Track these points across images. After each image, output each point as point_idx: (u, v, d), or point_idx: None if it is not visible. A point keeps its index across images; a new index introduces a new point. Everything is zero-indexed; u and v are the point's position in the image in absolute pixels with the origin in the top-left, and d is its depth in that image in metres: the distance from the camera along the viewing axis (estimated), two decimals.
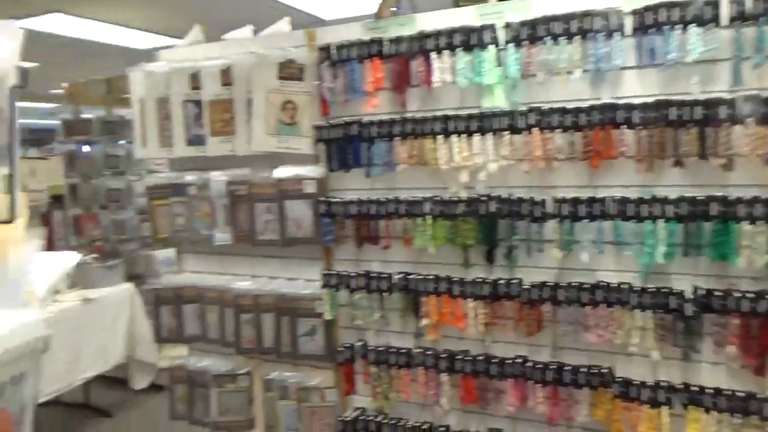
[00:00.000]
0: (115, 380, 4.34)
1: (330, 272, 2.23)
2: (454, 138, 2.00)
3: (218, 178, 2.36)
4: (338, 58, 2.15)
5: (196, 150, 2.38)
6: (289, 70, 2.22)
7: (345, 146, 2.17)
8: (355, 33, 2.18)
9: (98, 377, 3.90)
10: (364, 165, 2.15)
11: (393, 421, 2.19)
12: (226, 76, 2.31)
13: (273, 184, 2.27)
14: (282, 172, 2.26)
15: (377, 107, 2.13)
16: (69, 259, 0.95)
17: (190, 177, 2.41)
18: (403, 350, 2.17)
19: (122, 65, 2.69)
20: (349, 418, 2.25)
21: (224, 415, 2.47)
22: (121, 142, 5.02)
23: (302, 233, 2.26)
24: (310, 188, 2.23)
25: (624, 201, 1.82)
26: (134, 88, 2.51)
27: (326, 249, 2.31)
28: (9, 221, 0.83)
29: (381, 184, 2.19)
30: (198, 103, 2.35)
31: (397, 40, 2.06)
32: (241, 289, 2.38)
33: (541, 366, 1.96)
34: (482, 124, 1.97)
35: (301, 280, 2.39)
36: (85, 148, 4.93)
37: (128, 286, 4.16)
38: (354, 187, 2.25)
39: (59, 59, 7.22)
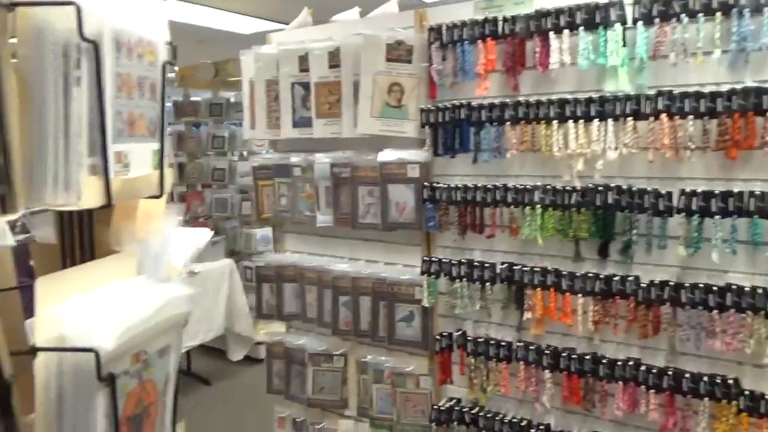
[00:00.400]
0: (213, 350, 4.51)
1: (431, 259, 2.14)
2: (570, 123, 1.85)
3: (322, 160, 2.32)
4: (449, 39, 2.04)
5: (301, 132, 2.37)
6: (397, 52, 2.14)
7: (452, 130, 2.07)
8: (467, 13, 2.06)
9: (198, 347, 4.06)
10: (472, 150, 2.04)
11: (489, 415, 2.10)
12: (334, 58, 2.26)
13: (376, 167, 2.21)
14: (386, 155, 2.19)
15: (487, 90, 2.02)
16: (202, 235, 0.94)
17: (295, 158, 2.39)
18: (504, 343, 2.05)
19: (228, 50, 2.72)
20: (443, 407, 2.18)
21: (318, 393, 2.46)
22: (226, 123, 5.18)
23: (404, 218, 2.18)
24: (414, 173, 2.15)
25: (765, 197, 1.60)
26: (245, 71, 2.52)
27: (427, 235, 2.23)
28: (158, 196, 0.81)
29: (487, 170, 2.07)
30: (305, 85, 2.33)
31: (513, 20, 1.93)
32: (339, 271, 2.35)
33: (656, 371, 1.79)
34: (603, 108, 1.80)
35: (400, 265, 2.32)
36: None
37: (229, 262, 4.29)
38: (459, 172, 2.14)
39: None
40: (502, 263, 2.03)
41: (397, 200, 2.18)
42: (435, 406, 2.18)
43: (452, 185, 2.08)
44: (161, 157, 0.86)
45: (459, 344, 2.14)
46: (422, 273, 2.17)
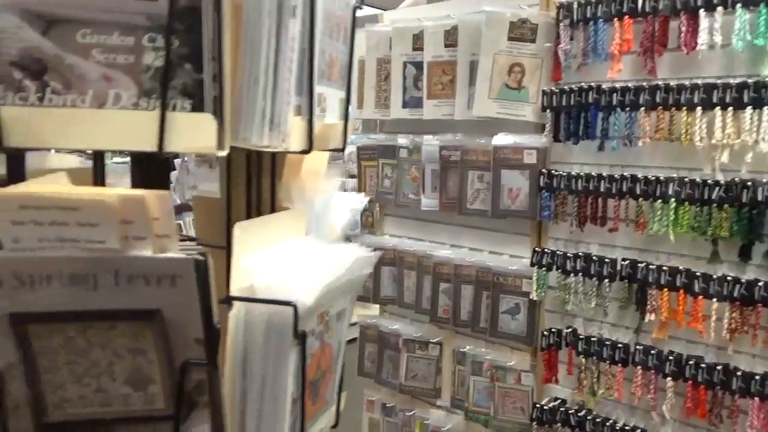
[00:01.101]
0: None
1: (543, 250, 2.03)
2: (717, 111, 1.69)
3: (431, 142, 2.24)
4: (581, 17, 1.90)
5: (411, 112, 2.29)
6: (520, 31, 2.02)
7: (577, 115, 1.94)
8: None
9: None
10: (598, 137, 1.90)
11: (598, 419, 1.96)
12: (450, 36, 2.17)
13: (489, 151, 2.10)
14: (500, 139, 2.08)
15: (620, 73, 1.88)
16: (358, 200, 0.89)
17: (402, 140, 2.33)
18: (620, 345, 1.91)
19: None
20: (546, 407, 2.06)
21: (411, 380, 2.39)
22: None
23: (516, 206, 2.07)
24: (531, 158, 2.02)
25: None
26: (355, 49, 2.47)
27: (539, 225, 2.10)
28: (341, 149, 0.76)
29: (613, 159, 1.92)
30: (418, 65, 2.25)
31: None
32: (441, 257, 2.26)
33: None
34: (759, 95, 1.63)
35: (505, 255, 2.21)
36: None
37: None
38: (580, 160, 2.00)
39: None
40: (624, 259, 1.89)
41: (510, 187, 2.07)
42: (537, 405, 2.07)
43: (573, 173, 1.95)
44: (346, 108, 0.80)
45: (569, 342, 2.02)
46: (532, 264, 2.04)
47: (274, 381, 0.63)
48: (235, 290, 0.59)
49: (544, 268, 1.99)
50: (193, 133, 0.53)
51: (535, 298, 2.02)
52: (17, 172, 0.67)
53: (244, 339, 0.64)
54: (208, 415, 0.58)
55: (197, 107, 0.53)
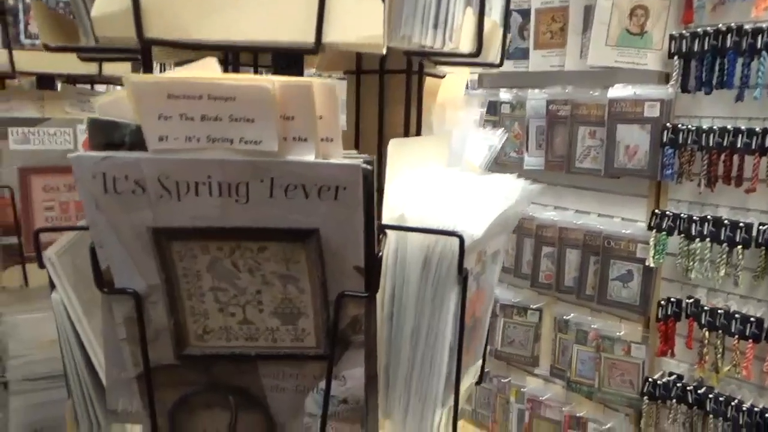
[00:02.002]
0: None
1: (664, 212, 1.83)
2: None
3: (537, 96, 2.08)
4: None
5: (515, 65, 2.13)
6: None
7: (711, 61, 1.71)
8: None
9: None
10: (736, 86, 1.67)
11: (721, 398, 1.78)
12: None
13: (603, 105, 1.91)
14: (617, 91, 1.89)
15: (766, 12, 1.63)
16: (497, 136, 0.79)
17: (504, 95, 2.17)
18: (753, 319, 1.71)
19: None
20: (660, 381, 1.89)
21: (507, 347, 2.27)
22: None
23: (633, 164, 1.87)
24: (653, 111, 1.81)
25: None
26: None
27: (658, 185, 1.90)
28: (499, 64, 0.64)
29: (751, 111, 1.68)
30: (524, 13, 2.08)
31: None
32: (545, 219, 2.11)
33: None
34: None
35: (617, 218, 2.03)
36: None
37: None
38: (709, 113, 1.78)
39: None
40: (762, 224, 1.67)
41: (626, 143, 1.87)
42: (650, 379, 1.90)
43: (704, 127, 1.73)
44: (507, 8, 0.68)
45: (690, 314, 1.83)
46: (650, 228, 1.85)
47: (431, 325, 0.54)
48: (386, 219, 0.50)
49: (663, 233, 1.79)
50: (356, 20, 0.43)
51: (651, 265, 1.83)
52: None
53: (397, 276, 0.55)
54: (361, 357, 0.49)
55: None
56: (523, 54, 2.05)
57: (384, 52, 0.47)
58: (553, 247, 2.06)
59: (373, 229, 0.45)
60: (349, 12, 0.44)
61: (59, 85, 1.19)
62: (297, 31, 0.44)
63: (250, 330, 0.49)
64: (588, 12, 1.88)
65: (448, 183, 0.59)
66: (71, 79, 1.18)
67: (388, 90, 0.73)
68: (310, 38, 0.44)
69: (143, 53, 0.47)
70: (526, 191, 0.60)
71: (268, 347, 0.49)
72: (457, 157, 0.73)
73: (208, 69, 0.41)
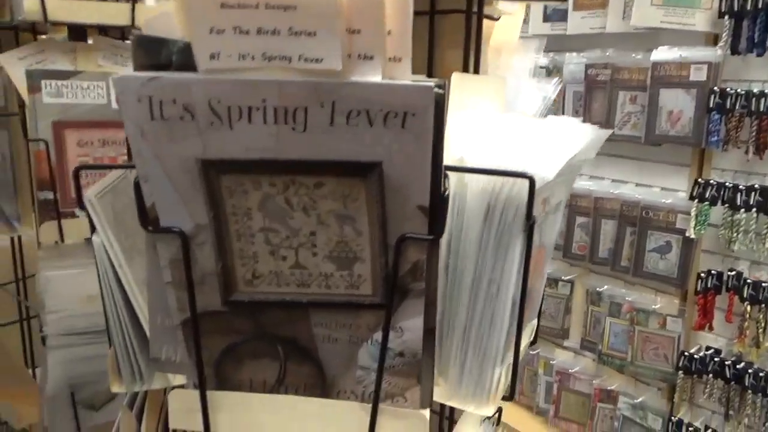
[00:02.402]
0: None
1: (707, 181, 1.76)
2: None
3: (575, 60, 1.99)
4: None
5: (552, 27, 2.04)
6: None
7: (765, 21, 1.61)
8: None
9: None
10: None
11: (762, 374, 1.72)
12: None
13: (645, 68, 1.83)
14: (662, 54, 1.80)
15: None
16: (551, 86, 0.74)
17: (541, 58, 2.09)
18: None
19: None
20: (697, 356, 1.84)
21: None
22: None
23: (677, 130, 1.79)
24: (700, 75, 1.72)
25: None
26: None
27: (701, 154, 1.82)
28: None
29: None
30: None
31: None
32: (579, 189, 2.04)
33: None
34: None
35: (656, 188, 1.96)
36: None
37: None
38: (761, 77, 1.68)
39: None
40: None
41: (670, 109, 1.79)
42: (686, 353, 1.84)
43: (755, 91, 1.64)
44: None
45: (731, 287, 1.76)
46: (692, 198, 1.78)
47: (493, 277, 0.50)
48: (445, 161, 0.45)
49: (706, 203, 1.72)
50: None
51: (692, 236, 1.76)
52: None
53: (456, 223, 0.51)
54: (420, 307, 0.46)
55: None
56: (562, 16, 1.97)
57: None
58: (587, 217, 2.00)
59: (440, 164, 0.41)
60: None
61: (90, 39, 1.16)
62: None
63: (302, 275, 0.45)
64: None
65: (511, 124, 0.54)
66: (103, 31, 1.14)
67: (439, 33, 0.68)
68: None
69: None
70: (594, 137, 0.55)
71: (322, 294, 0.46)
72: (511, 105, 0.68)
73: None
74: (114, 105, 1.09)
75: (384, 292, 0.45)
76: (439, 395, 0.54)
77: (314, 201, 0.42)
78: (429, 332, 0.48)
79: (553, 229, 0.60)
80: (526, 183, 0.47)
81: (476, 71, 0.62)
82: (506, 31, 0.72)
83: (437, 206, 0.42)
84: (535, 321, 0.65)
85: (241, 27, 0.36)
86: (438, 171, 0.41)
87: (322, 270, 0.45)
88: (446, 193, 0.42)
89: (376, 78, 0.37)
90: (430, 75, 0.66)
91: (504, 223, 0.49)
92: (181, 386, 0.55)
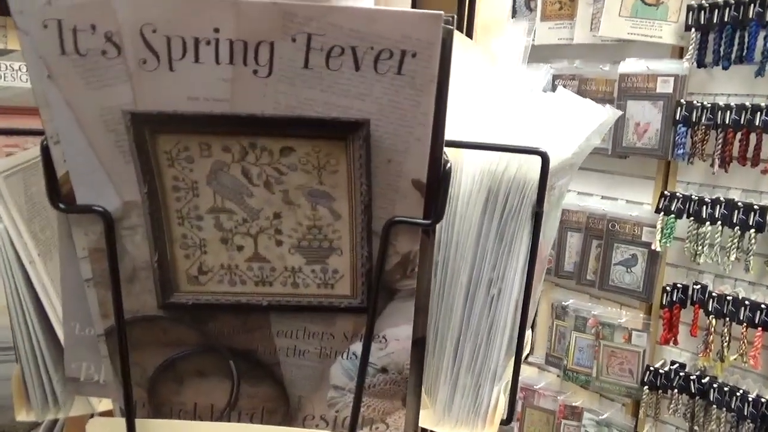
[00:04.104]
0: None
1: (673, 194, 1.74)
2: None
3: (541, 71, 1.97)
4: None
5: None
6: None
7: (731, 34, 1.61)
8: None
9: None
10: (757, 60, 1.58)
11: (726, 388, 1.69)
12: None
13: (613, 80, 1.81)
14: (629, 66, 1.78)
15: None
16: (543, 73, 0.68)
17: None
18: (764, 306, 1.63)
19: None
20: (662, 371, 1.80)
21: None
22: None
23: (644, 143, 1.77)
24: (667, 87, 1.71)
25: None
26: None
27: (667, 166, 1.80)
28: None
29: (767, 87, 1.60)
30: None
31: None
32: None
33: None
34: None
35: (621, 200, 1.93)
36: None
37: None
38: (726, 90, 1.67)
39: None
40: None
41: (637, 120, 1.77)
42: (651, 368, 1.81)
43: (720, 104, 1.63)
44: None
45: (696, 300, 1.74)
46: (657, 211, 1.76)
47: (495, 275, 0.41)
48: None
49: (672, 216, 1.70)
50: None
51: (657, 249, 1.73)
52: None
53: (451, 210, 0.42)
54: (410, 311, 0.36)
55: None
56: (529, 26, 1.93)
57: None
58: None
59: (443, 127, 0.32)
60: None
61: None
62: None
63: (262, 271, 0.35)
64: None
65: (514, 96, 0.46)
66: None
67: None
68: None
69: None
70: (606, 118, 0.48)
71: (287, 295, 0.36)
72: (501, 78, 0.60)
73: None
74: None
75: (366, 292, 0.36)
76: (426, 419, 0.45)
77: (280, 172, 0.33)
78: (417, 343, 0.39)
79: (554, 226, 0.53)
80: (534, 163, 0.39)
81: (470, 15, 0.54)
82: (495, 8, 0.65)
83: (437, 182, 0.33)
84: (530, 331, 0.57)
85: None
86: (440, 136, 0.32)
87: (288, 263, 0.35)
88: (448, 165, 0.33)
89: (367, 2, 0.28)
90: None
91: (509, 210, 0.40)
92: (108, 412, 0.44)
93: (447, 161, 0.34)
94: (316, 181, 0.33)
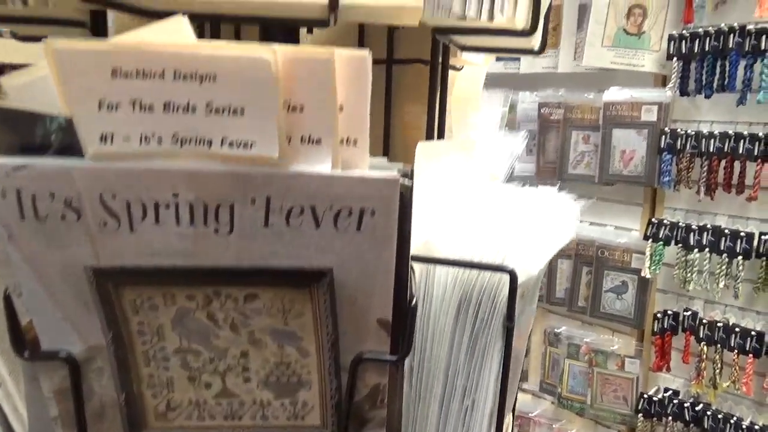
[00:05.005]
0: None
1: (660, 221, 1.75)
2: None
3: (528, 99, 1.98)
4: None
5: (505, 66, 2.02)
6: None
7: (712, 63, 1.63)
8: None
9: None
10: (738, 89, 1.60)
11: (720, 415, 1.70)
12: None
13: (598, 108, 1.83)
14: (613, 94, 1.80)
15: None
16: (518, 140, 0.68)
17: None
18: (754, 333, 1.63)
19: None
20: (656, 398, 1.80)
21: None
22: None
23: (630, 170, 1.79)
24: (651, 115, 1.73)
25: None
26: None
27: (653, 193, 1.82)
28: (540, 49, 0.50)
29: (753, 116, 1.60)
30: None
31: None
32: None
33: None
34: None
35: (610, 226, 1.94)
36: None
37: None
38: (708, 117, 1.70)
39: None
40: (763, 233, 1.60)
41: (622, 148, 1.78)
42: (645, 395, 1.81)
43: (704, 132, 1.65)
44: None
45: (687, 327, 1.75)
46: (646, 237, 1.77)
47: (468, 386, 0.41)
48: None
49: (660, 242, 1.71)
50: None
51: (647, 276, 1.74)
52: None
53: (423, 322, 0.42)
54: None
55: None
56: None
57: (412, 23, 0.34)
58: None
59: (406, 270, 0.32)
60: None
61: None
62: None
63: (231, 405, 0.35)
64: (583, 11, 1.79)
65: (486, 200, 0.47)
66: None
67: (397, 85, 0.61)
68: (323, 15, 0.31)
69: (94, 21, 0.33)
70: (577, 213, 0.48)
71: (257, 428, 0.36)
72: (478, 162, 0.61)
73: (174, 32, 0.27)
74: None
75: (336, 422, 0.36)
76: None
77: (246, 316, 0.33)
78: None
79: (530, 318, 0.53)
80: (504, 276, 0.40)
81: (441, 129, 0.55)
82: (469, 82, 0.65)
83: (402, 319, 0.33)
84: (510, 418, 0.56)
85: (141, 100, 0.26)
86: (403, 278, 0.32)
87: (257, 398, 0.35)
88: (413, 302, 0.34)
89: (325, 167, 0.28)
90: (386, 133, 0.58)
91: (480, 322, 0.41)
92: None
93: (413, 297, 0.34)
94: (281, 323, 0.33)
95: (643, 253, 1.74)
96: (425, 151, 0.41)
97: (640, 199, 1.81)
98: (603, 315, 1.85)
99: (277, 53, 0.25)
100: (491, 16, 0.38)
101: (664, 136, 1.67)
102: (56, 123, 0.28)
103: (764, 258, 1.55)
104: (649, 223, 1.72)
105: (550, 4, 0.52)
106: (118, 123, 0.27)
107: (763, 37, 1.49)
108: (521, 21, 0.40)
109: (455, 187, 0.47)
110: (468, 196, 0.46)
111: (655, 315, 1.75)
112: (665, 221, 1.70)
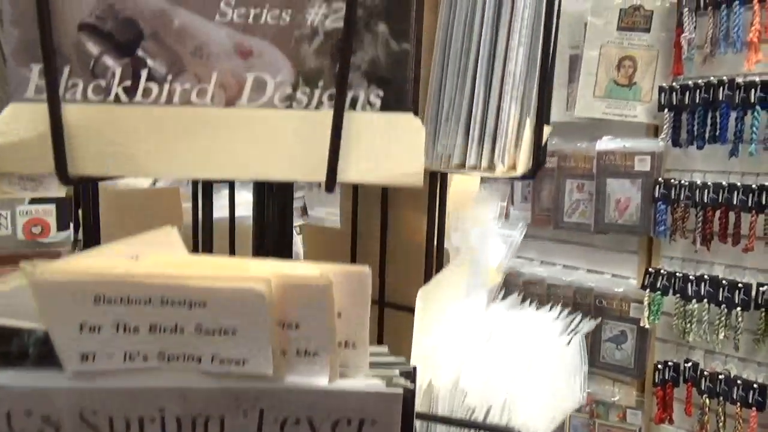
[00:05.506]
0: None
1: (658, 271, 1.74)
2: None
3: None
4: (709, 0, 1.62)
5: None
6: (633, 19, 1.73)
7: (703, 115, 1.64)
8: None
9: None
10: (730, 141, 1.60)
11: None
12: None
13: (591, 157, 1.83)
14: (606, 144, 1.81)
15: (758, 64, 1.57)
16: (517, 230, 0.67)
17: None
18: (756, 385, 1.62)
19: None
20: None
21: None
22: None
23: (624, 219, 1.78)
24: (644, 165, 1.73)
25: None
26: None
27: (649, 242, 1.81)
28: (532, 176, 0.50)
29: (746, 166, 1.60)
30: None
31: None
32: (532, 275, 2.00)
33: None
34: None
35: (607, 274, 1.93)
36: None
37: None
38: (702, 168, 1.70)
39: None
40: (761, 284, 1.59)
41: (617, 197, 1.78)
42: None
43: (698, 183, 1.65)
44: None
45: (688, 378, 1.72)
46: (643, 287, 1.76)
47: None
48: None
49: (659, 292, 1.69)
50: (387, 148, 0.29)
51: (646, 326, 1.73)
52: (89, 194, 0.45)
53: None
54: None
55: (392, 102, 0.29)
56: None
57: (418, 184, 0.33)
58: (541, 304, 1.94)
59: None
60: (374, 138, 0.30)
61: None
62: (304, 167, 0.30)
63: None
64: (574, 62, 1.81)
65: (491, 350, 0.45)
66: None
67: (395, 191, 0.59)
68: (321, 177, 0.30)
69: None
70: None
71: None
72: (473, 269, 0.59)
73: (165, 244, 0.26)
74: (21, 235, 0.93)
75: None
76: None
77: None
78: None
79: None
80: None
81: (440, 238, 0.54)
82: (466, 180, 0.64)
83: None
84: None
85: (126, 323, 0.25)
86: None
87: None
88: None
89: (322, 380, 0.26)
90: (383, 242, 0.57)
91: None
92: None
93: None
94: None
95: (641, 302, 1.73)
96: (425, 297, 0.39)
97: (635, 246, 1.80)
98: (603, 365, 1.83)
99: (271, 281, 0.23)
100: (491, 166, 0.37)
101: (658, 186, 1.67)
102: (35, 336, 0.27)
103: (763, 309, 1.54)
104: (647, 272, 1.71)
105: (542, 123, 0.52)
106: (100, 343, 0.25)
107: (752, 90, 1.50)
108: (522, 167, 0.40)
109: (462, 344, 0.45)
110: (471, 344, 0.44)
111: (655, 366, 1.73)
112: (662, 271, 1.69)
